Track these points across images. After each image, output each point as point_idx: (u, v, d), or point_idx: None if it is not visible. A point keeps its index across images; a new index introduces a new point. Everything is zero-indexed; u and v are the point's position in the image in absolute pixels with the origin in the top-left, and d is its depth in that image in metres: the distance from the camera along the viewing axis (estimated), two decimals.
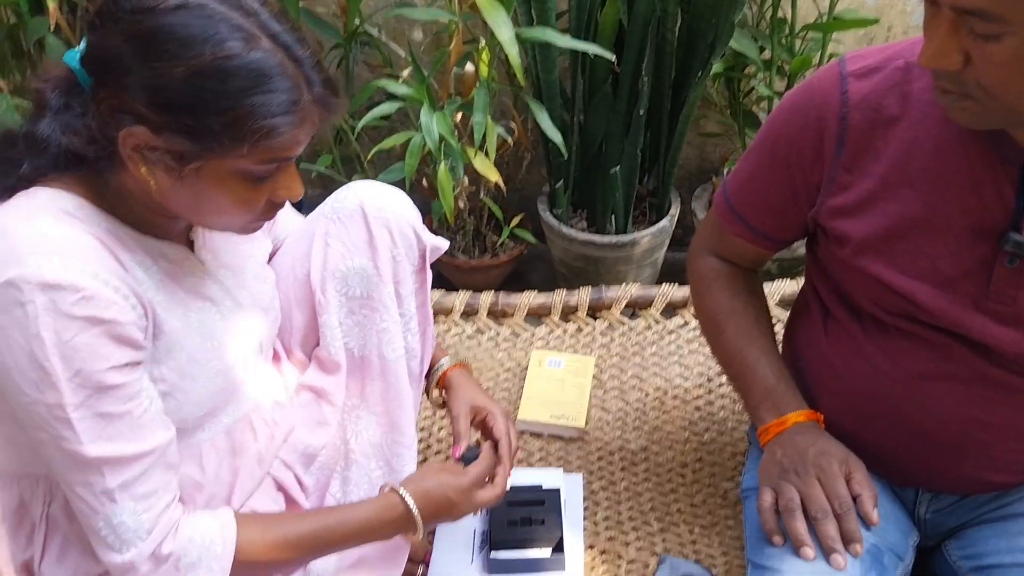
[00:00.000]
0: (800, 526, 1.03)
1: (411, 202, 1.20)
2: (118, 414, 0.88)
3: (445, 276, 2.46)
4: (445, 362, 1.30)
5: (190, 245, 1.03)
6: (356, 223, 1.15)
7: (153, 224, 0.96)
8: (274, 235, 1.23)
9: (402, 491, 1.08)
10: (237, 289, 1.07)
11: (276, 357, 1.19)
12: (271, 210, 0.95)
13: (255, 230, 1.00)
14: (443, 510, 1.10)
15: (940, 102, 0.94)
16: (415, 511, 1.07)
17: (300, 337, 1.20)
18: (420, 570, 1.30)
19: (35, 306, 0.82)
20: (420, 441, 1.52)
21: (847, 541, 1.02)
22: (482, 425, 1.25)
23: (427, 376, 1.28)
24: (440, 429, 1.56)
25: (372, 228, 1.14)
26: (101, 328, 0.85)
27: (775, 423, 1.12)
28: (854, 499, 1.04)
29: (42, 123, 0.88)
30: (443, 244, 1.22)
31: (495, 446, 1.20)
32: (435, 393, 1.31)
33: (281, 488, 1.14)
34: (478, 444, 1.21)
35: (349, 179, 2.29)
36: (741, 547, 1.33)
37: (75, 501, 0.91)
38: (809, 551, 1.03)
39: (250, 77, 0.84)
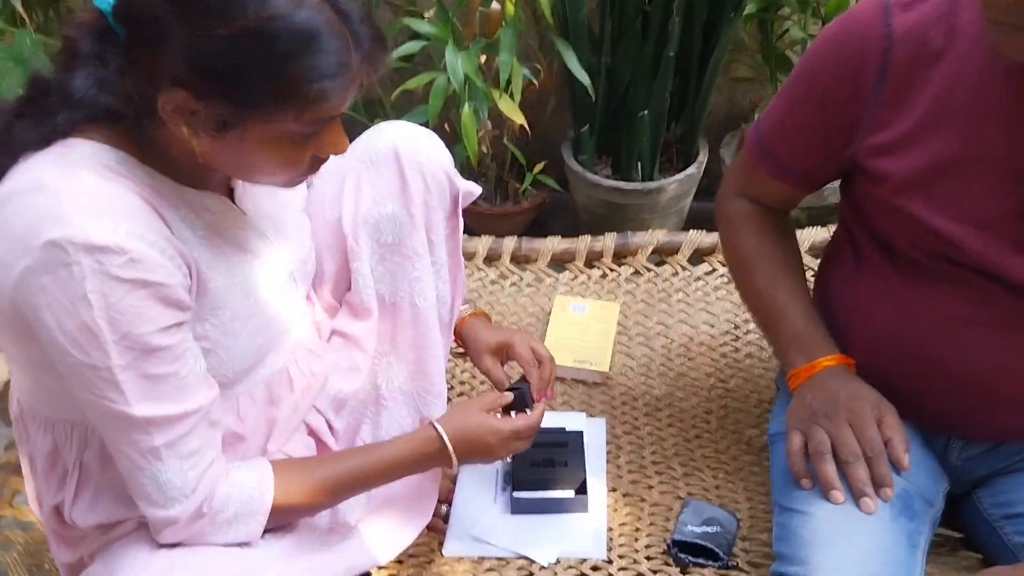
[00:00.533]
0: (830, 469, 1.02)
1: (443, 145, 1.18)
2: (164, 375, 0.87)
3: (467, 223, 2.42)
4: (463, 310, 1.28)
5: (230, 193, 1.01)
6: (389, 168, 1.13)
7: (194, 175, 0.93)
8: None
9: (440, 428, 1.06)
10: (278, 240, 1.05)
11: (310, 305, 1.18)
12: (315, 165, 0.92)
13: (299, 183, 0.97)
14: (478, 452, 1.09)
15: (989, 35, 0.90)
16: (451, 448, 1.06)
17: (331, 283, 1.19)
18: (444, 509, 1.30)
19: (81, 268, 0.80)
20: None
21: (877, 485, 1.01)
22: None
23: None
24: (463, 371, 1.55)
25: (405, 174, 1.12)
26: (148, 291, 0.83)
27: (805, 367, 1.10)
28: (885, 443, 1.02)
29: (77, 77, 0.83)
30: (475, 189, 1.21)
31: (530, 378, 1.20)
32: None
33: (312, 433, 1.14)
34: (523, 379, 1.20)
35: (371, 123, 2.26)
36: (765, 493, 1.32)
37: (120, 459, 0.90)
38: (839, 494, 1.01)
39: (296, 39, 0.79)
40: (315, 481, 1.01)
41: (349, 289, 1.17)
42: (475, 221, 2.39)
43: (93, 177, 0.84)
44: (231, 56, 0.78)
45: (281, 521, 1.00)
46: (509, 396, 1.14)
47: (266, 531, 1.00)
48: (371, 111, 2.29)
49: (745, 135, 1.21)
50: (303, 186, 1.15)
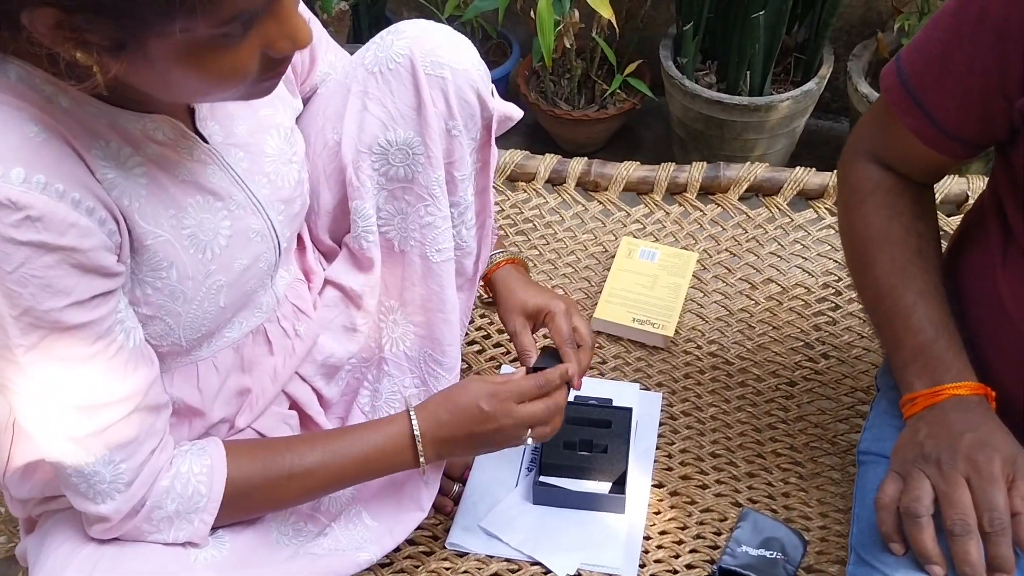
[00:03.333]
0: (925, 539, 0.78)
1: (476, 54, 0.93)
2: (85, 357, 0.70)
3: (543, 127, 2.17)
4: (497, 256, 1.06)
5: (191, 114, 0.79)
6: (403, 81, 0.90)
7: (136, 90, 0.72)
8: (310, 83, 0.98)
9: (412, 412, 0.88)
10: (251, 175, 0.84)
11: (300, 249, 0.98)
12: (274, 66, 0.69)
13: (268, 91, 0.73)
14: (474, 430, 0.89)
15: None
16: (418, 442, 0.87)
17: (328, 220, 0.98)
18: (456, 488, 1.11)
19: None
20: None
21: (992, 569, 0.76)
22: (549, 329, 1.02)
23: None
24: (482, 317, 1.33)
25: (423, 91, 0.89)
26: (54, 256, 0.65)
27: (926, 392, 0.85)
28: (1013, 516, 0.77)
29: None
30: (515, 113, 0.97)
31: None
32: (479, 290, 1.07)
33: (295, 405, 0.96)
34: (550, 352, 1.00)
35: (442, 5, 2.00)
36: (845, 510, 1.09)
37: (41, 447, 0.75)
38: (939, 569, 0.78)
39: None
40: (278, 473, 0.84)
41: (350, 230, 0.96)
42: (552, 124, 2.13)
43: None
44: None
45: (232, 520, 0.84)
46: (523, 378, 0.92)
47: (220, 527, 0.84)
48: None
49: (883, 72, 0.91)
50: (294, 100, 0.93)
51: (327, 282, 0.97)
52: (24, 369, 0.69)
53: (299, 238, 0.97)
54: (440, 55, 0.89)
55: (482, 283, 1.06)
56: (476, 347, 1.29)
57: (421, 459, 0.88)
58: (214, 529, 0.83)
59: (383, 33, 0.92)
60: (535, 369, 0.96)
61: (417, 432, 0.87)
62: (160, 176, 0.75)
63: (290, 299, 0.93)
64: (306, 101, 0.98)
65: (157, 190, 0.75)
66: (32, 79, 0.67)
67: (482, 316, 1.33)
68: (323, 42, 0.99)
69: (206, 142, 0.80)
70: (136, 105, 0.73)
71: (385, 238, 0.96)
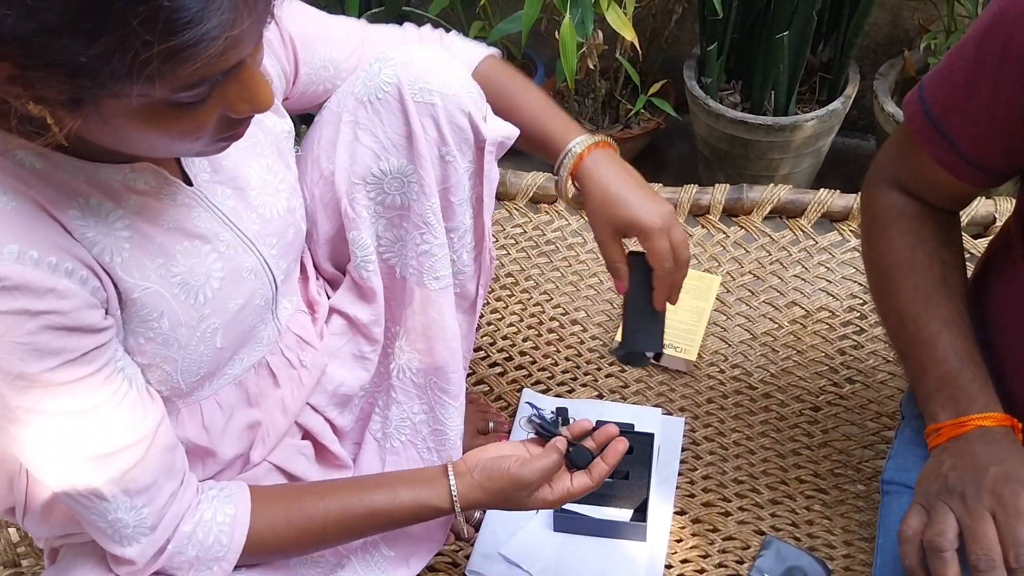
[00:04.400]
0: (951, 574, 0.76)
1: (466, 76, 0.91)
2: (87, 410, 0.70)
3: None
4: (577, 145, 0.93)
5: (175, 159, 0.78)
6: (392, 110, 0.89)
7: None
8: (306, 81, 0.94)
9: (451, 479, 0.86)
10: (238, 213, 0.82)
11: (304, 278, 0.97)
12: (232, 126, 0.68)
13: (223, 150, 0.71)
14: (503, 504, 0.89)
15: None
16: (457, 505, 0.86)
17: (328, 249, 0.98)
18: (476, 515, 1.11)
19: None
20: (478, 350, 1.31)
21: None
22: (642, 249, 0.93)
23: (558, 165, 0.95)
24: (509, 326, 1.33)
25: (412, 119, 0.88)
26: (38, 321, 0.65)
27: (951, 423, 0.84)
28: None
29: None
30: (511, 133, 0.93)
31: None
32: (569, 188, 0.96)
33: (308, 435, 0.96)
34: (633, 258, 0.94)
35: (467, 27, 2.01)
36: (869, 538, 1.08)
37: (62, 497, 0.74)
38: None
39: None
40: (302, 519, 0.83)
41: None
42: None
43: None
44: (29, 16, 0.54)
45: (251, 561, 0.84)
46: (554, 460, 0.88)
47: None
48: (470, 12, 2.03)
49: (905, 99, 0.90)
50: (280, 122, 0.90)
51: (333, 311, 0.97)
52: (29, 429, 0.68)
53: (302, 267, 0.97)
54: (429, 81, 0.88)
55: (570, 176, 0.95)
56: (498, 369, 1.29)
57: (460, 519, 0.89)
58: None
59: (372, 60, 0.91)
60: (571, 444, 0.91)
61: (456, 499, 0.86)
62: (144, 227, 0.74)
63: (292, 329, 0.92)
64: (318, 99, 0.95)
65: (142, 241, 0.74)
66: (3, 145, 0.67)
67: (504, 338, 1.33)
68: (311, 39, 0.92)
69: (190, 184, 0.79)
70: (114, 157, 0.71)
71: (387, 265, 0.96)
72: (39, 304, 0.64)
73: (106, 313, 0.71)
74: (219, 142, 0.69)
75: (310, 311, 0.96)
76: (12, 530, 1.10)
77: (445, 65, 0.89)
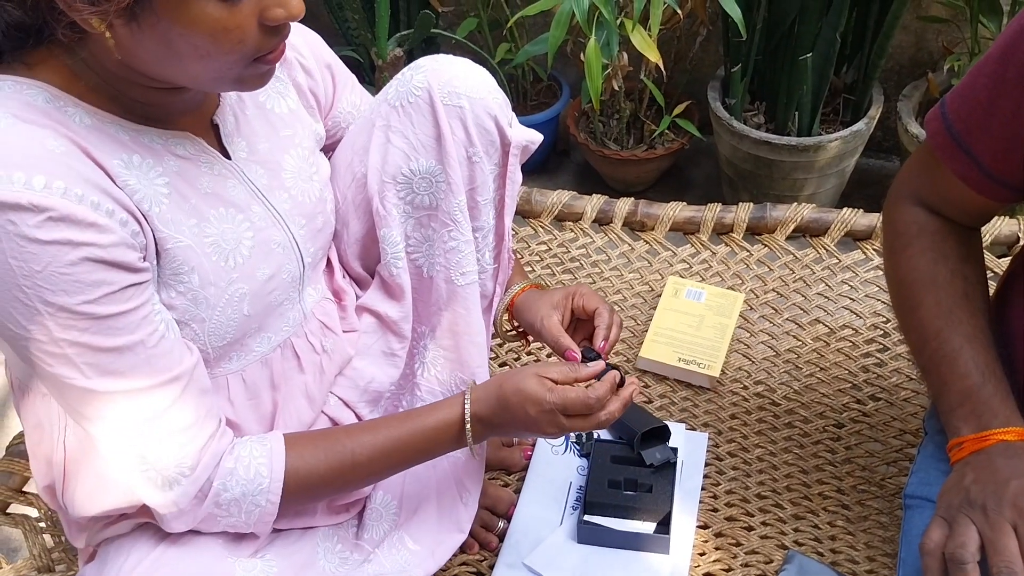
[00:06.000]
0: None
1: (494, 83, 0.96)
2: (125, 346, 0.73)
3: (592, 166, 2.20)
4: (516, 287, 1.07)
5: (216, 131, 0.84)
6: (422, 113, 0.93)
7: (159, 107, 0.78)
8: (333, 120, 1.02)
9: (467, 397, 0.89)
10: (272, 190, 0.88)
11: (330, 271, 1.01)
12: (269, 37, 0.72)
13: (263, 78, 0.76)
14: (518, 426, 0.90)
15: None
16: (467, 415, 0.89)
17: (358, 249, 1.01)
18: (501, 525, 1.12)
19: None
20: (502, 366, 1.32)
21: None
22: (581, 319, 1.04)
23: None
24: (510, 351, 1.35)
25: (441, 121, 0.92)
26: (78, 252, 0.69)
27: (973, 437, 0.84)
28: None
29: None
30: (535, 138, 0.98)
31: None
32: (504, 323, 1.08)
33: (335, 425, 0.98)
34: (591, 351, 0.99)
35: (494, 49, 2.04)
36: (893, 554, 1.08)
37: (102, 441, 0.78)
38: None
39: None
40: (335, 455, 0.86)
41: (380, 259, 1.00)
42: (602, 164, 2.16)
43: (9, 121, 0.70)
44: None
45: (297, 504, 0.86)
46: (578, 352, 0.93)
47: (277, 538, 0.87)
48: (497, 35, 2.07)
49: (927, 116, 0.91)
50: (315, 124, 0.96)
51: (364, 309, 1.00)
52: (72, 361, 0.72)
53: (328, 261, 1.01)
54: (457, 85, 0.93)
55: (507, 316, 1.07)
56: (507, 369, 1.31)
57: (469, 439, 0.89)
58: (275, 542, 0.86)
59: (404, 70, 0.96)
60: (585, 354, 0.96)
61: (468, 420, 0.89)
62: (182, 187, 0.79)
63: (317, 315, 0.96)
64: (334, 142, 1.02)
65: (178, 200, 0.79)
66: (58, 102, 0.73)
67: (528, 354, 1.35)
68: (348, 83, 1.02)
69: (228, 158, 0.84)
70: (159, 123, 0.78)
71: (414, 265, 0.99)
72: (81, 236, 0.69)
73: (143, 259, 0.75)
74: (257, 64, 0.73)
75: (336, 300, 0.99)
76: (47, 536, 1.13)
77: (472, 72, 0.94)
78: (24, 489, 1.14)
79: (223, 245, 0.82)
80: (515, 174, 0.98)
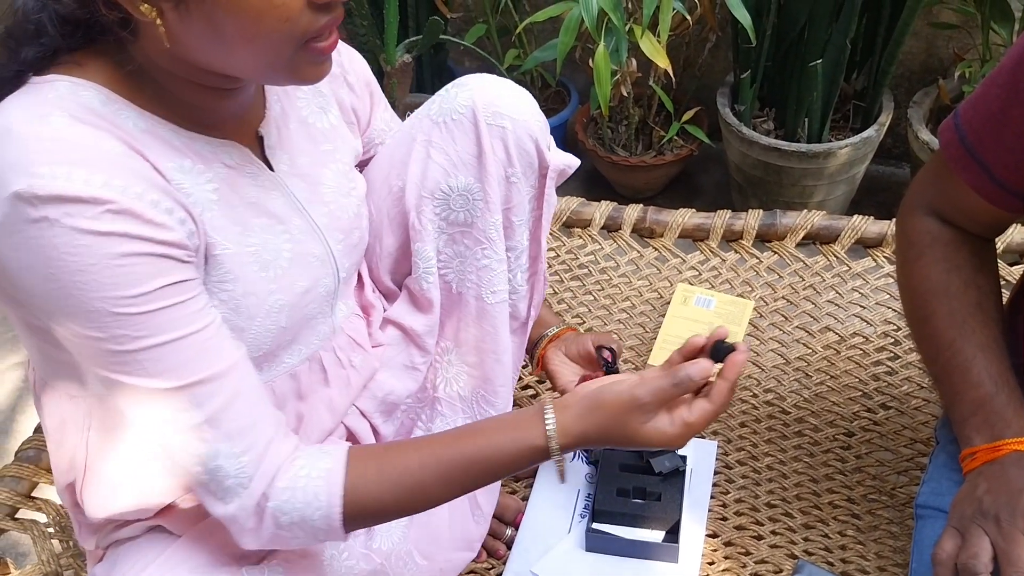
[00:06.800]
0: None
1: (536, 106, 0.97)
2: (180, 338, 0.72)
3: (600, 173, 2.20)
4: (551, 332, 1.12)
5: (260, 143, 0.84)
6: (464, 131, 0.94)
7: (209, 112, 0.78)
8: (368, 137, 1.03)
9: (548, 414, 0.80)
10: (311, 204, 0.88)
11: (360, 285, 1.01)
12: (318, 17, 0.71)
13: (320, 69, 0.75)
14: (606, 434, 0.81)
15: None
16: (553, 441, 0.80)
17: (390, 263, 1.02)
18: (509, 533, 1.12)
19: (50, 223, 0.67)
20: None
21: None
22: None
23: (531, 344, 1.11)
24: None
25: (483, 140, 0.93)
26: (136, 245, 0.69)
27: (986, 447, 0.84)
28: None
29: None
30: (573, 163, 1.00)
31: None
32: (533, 365, 1.12)
33: (352, 437, 0.99)
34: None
35: (502, 55, 2.04)
36: (904, 564, 1.07)
37: (165, 445, 0.76)
38: None
39: None
40: (394, 474, 0.79)
41: (411, 273, 1.00)
42: (610, 170, 2.15)
43: (67, 121, 0.70)
44: None
45: (359, 523, 0.82)
46: (670, 383, 0.78)
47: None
48: (505, 41, 2.07)
49: (940, 127, 0.91)
50: (354, 140, 0.97)
51: (389, 321, 1.00)
52: (127, 357, 0.70)
53: (359, 276, 1.01)
54: (501, 106, 0.93)
55: (539, 358, 1.12)
56: (531, 392, 1.31)
57: (556, 452, 0.80)
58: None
59: (449, 86, 0.97)
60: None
61: (553, 434, 0.80)
62: (228, 195, 0.79)
63: (346, 331, 0.96)
64: (366, 159, 1.03)
65: (225, 207, 0.79)
66: (112, 104, 0.73)
67: None
68: (382, 102, 1.04)
69: (271, 170, 0.84)
70: (207, 130, 0.78)
71: (444, 280, 0.99)
72: (140, 229, 0.69)
73: (196, 259, 0.75)
74: (309, 51, 0.72)
75: (364, 315, 0.99)
76: (56, 541, 1.13)
77: (517, 93, 0.95)
78: (33, 495, 1.14)
79: (264, 255, 0.81)
80: (551, 197, 0.99)
